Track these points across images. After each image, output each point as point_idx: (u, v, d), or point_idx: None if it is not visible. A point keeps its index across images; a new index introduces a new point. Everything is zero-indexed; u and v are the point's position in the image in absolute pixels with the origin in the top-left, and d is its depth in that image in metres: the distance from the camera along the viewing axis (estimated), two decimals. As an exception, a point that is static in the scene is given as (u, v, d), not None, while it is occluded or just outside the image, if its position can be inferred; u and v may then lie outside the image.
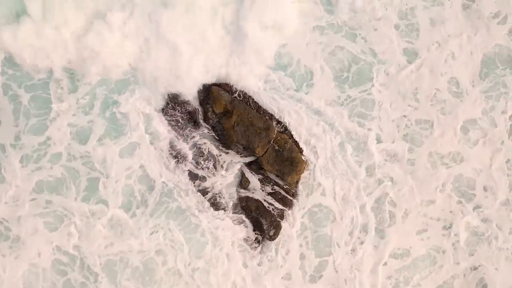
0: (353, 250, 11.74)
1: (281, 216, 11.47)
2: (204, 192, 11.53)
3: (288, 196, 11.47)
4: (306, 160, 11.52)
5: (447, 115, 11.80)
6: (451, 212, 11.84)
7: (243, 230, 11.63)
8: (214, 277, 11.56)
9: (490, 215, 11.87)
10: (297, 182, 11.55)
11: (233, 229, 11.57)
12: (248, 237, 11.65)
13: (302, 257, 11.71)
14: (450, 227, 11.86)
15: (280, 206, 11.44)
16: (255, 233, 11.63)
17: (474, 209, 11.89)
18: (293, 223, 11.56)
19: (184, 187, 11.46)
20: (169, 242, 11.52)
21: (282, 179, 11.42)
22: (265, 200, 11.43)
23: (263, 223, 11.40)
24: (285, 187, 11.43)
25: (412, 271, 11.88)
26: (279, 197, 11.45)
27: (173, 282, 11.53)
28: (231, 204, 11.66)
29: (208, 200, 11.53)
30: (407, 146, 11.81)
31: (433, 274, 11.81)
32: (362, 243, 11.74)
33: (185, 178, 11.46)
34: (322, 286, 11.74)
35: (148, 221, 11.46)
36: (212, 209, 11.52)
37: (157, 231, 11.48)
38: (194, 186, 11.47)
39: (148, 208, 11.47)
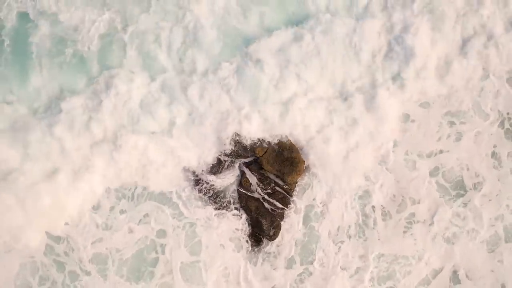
0: (340, 249, 11.88)
1: (281, 216, 11.52)
2: (204, 191, 11.46)
3: (288, 196, 11.49)
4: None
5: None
6: (433, 206, 12.11)
7: (241, 228, 11.64)
8: (210, 272, 11.57)
9: (471, 208, 12.15)
10: (297, 182, 11.56)
11: (231, 226, 11.60)
12: (247, 235, 11.70)
13: (295, 257, 11.84)
14: (432, 224, 12.10)
15: (280, 206, 11.46)
16: (255, 233, 11.66)
17: (456, 202, 12.16)
18: (292, 224, 11.68)
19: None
20: (162, 234, 11.53)
21: (282, 179, 11.39)
22: (265, 200, 11.41)
23: (263, 223, 11.40)
24: (285, 187, 11.42)
25: (395, 268, 12.01)
26: (279, 197, 11.43)
27: (165, 274, 11.51)
28: (231, 203, 11.60)
29: (209, 198, 11.48)
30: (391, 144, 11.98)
31: (415, 270, 12.00)
32: (350, 243, 11.94)
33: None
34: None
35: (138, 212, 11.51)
36: (212, 207, 11.50)
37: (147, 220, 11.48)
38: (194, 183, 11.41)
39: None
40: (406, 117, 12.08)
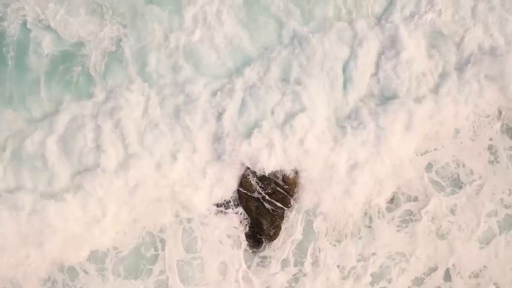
0: (335, 248, 11.91)
1: (281, 216, 11.53)
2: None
3: (288, 196, 11.47)
4: None
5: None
6: (428, 203, 12.12)
7: (239, 226, 11.68)
8: (207, 269, 11.58)
9: (466, 205, 12.25)
10: (297, 182, 11.51)
11: (230, 223, 11.62)
12: (245, 234, 11.73)
13: (291, 257, 11.88)
14: (427, 220, 12.13)
15: (280, 206, 11.45)
16: (255, 233, 11.68)
17: (451, 198, 12.24)
18: (291, 224, 11.72)
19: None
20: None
21: (282, 179, 11.35)
22: (265, 200, 11.39)
23: (263, 223, 11.40)
24: (285, 187, 11.39)
25: (390, 265, 12.07)
26: (279, 197, 11.41)
27: (163, 271, 11.48)
28: (230, 202, 11.56)
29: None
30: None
31: (409, 268, 12.09)
32: (345, 241, 11.96)
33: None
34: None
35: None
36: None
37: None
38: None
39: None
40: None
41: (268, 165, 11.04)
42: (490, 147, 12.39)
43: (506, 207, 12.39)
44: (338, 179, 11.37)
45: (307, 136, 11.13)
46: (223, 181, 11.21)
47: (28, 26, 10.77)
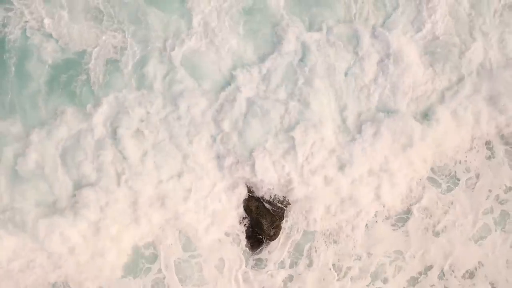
0: (331, 248, 11.98)
1: (281, 216, 11.54)
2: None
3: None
4: None
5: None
6: (425, 200, 12.19)
7: (240, 226, 11.68)
8: (205, 269, 11.62)
9: (463, 201, 12.35)
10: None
11: (229, 222, 11.58)
12: (245, 233, 11.75)
13: (288, 257, 11.97)
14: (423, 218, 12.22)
15: (280, 206, 11.45)
16: (255, 233, 11.69)
17: (447, 195, 12.32)
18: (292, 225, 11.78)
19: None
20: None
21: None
22: (265, 200, 11.39)
23: (263, 223, 11.41)
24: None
25: (386, 264, 12.17)
26: (279, 197, 11.42)
27: (161, 269, 11.50)
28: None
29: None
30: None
31: (406, 266, 12.20)
32: (342, 241, 11.99)
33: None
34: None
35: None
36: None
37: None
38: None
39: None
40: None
41: (272, 191, 11.23)
42: (487, 142, 12.42)
43: (502, 203, 12.50)
44: (341, 199, 11.48)
45: (309, 157, 11.20)
46: (228, 206, 11.28)
47: (31, 33, 10.66)
